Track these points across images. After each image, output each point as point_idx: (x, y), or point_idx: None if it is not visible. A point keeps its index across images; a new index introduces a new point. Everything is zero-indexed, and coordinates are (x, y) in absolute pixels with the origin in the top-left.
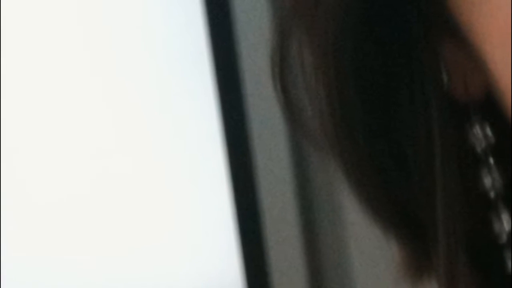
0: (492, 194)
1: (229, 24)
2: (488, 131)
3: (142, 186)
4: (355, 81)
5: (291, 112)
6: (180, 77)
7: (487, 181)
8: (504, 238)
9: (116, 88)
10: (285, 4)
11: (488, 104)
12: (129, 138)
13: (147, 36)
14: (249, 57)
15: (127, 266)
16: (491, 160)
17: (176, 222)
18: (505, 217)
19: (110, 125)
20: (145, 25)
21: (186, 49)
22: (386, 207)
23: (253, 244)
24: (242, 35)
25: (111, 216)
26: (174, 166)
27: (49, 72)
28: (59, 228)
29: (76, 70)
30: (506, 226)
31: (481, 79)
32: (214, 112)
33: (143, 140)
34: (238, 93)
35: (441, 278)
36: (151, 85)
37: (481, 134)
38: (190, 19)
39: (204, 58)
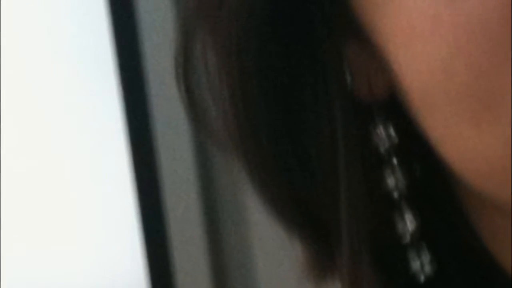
0: (395, 195)
1: (133, 25)
2: (392, 132)
3: (45, 185)
4: (259, 82)
5: (195, 113)
6: (84, 77)
7: (391, 181)
8: (407, 238)
9: (20, 87)
10: (189, 5)
11: (391, 104)
12: (33, 137)
13: (51, 36)
14: (153, 57)
15: (29, 266)
16: (395, 161)
17: (80, 221)
18: (408, 217)
19: (15, 125)
20: (49, 24)
21: (90, 49)
22: (290, 208)
23: (157, 244)
24: (146, 36)
25: (15, 215)
26: (78, 165)
27: None
28: None
29: None
30: (410, 226)
31: (385, 79)
32: (118, 112)
33: (47, 139)
34: (142, 93)
35: (344, 278)
36: (55, 85)
37: (384, 135)
38: (94, 19)
39: (108, 58)
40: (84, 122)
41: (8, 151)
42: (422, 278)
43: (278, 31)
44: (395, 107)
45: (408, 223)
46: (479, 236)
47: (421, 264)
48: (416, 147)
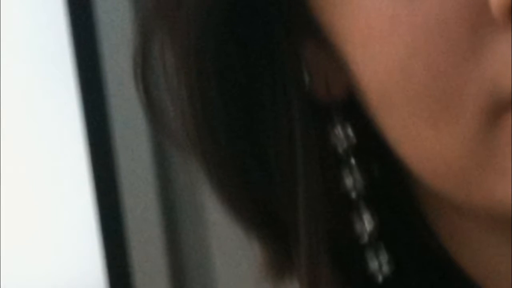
0: (353, 195)
1: (91, 25)
2: (350, 132)
3: (2, 185)
4: (217, 82)
5: (153, 113)
6: (43, 77)
7: (349, 181)
8: (365, 238)
9: None
10: (147, 5)
11: (349, 104)
12: None
13: (9, 35)
14: (112, 57)
15: None
16: (353, 161)
17: (38, 222)
18: (366, 217)
19: None
20: (6, 23)
21: (49, 49)
22: (248, 208)
23: (116, 244)
24: (104, 36)
25: None
26: (37, 166)
27: None
28: None
29: None
30: (368, 226)
31: (343, 79)
32: (77, 112)
33: (4, 139)
34: (101, 94)
35: (302, 278)
36: (13, 85)
37: (342, 135)
38: (53, 19)
39: (67, 58)
40: (42, 122)
41: None
42: (380, 278)
43: (236, 32)
44: (353, 107)
45: (366, 223)
46: (437, 236)
47: (379, 264)
48: (374, 147)
